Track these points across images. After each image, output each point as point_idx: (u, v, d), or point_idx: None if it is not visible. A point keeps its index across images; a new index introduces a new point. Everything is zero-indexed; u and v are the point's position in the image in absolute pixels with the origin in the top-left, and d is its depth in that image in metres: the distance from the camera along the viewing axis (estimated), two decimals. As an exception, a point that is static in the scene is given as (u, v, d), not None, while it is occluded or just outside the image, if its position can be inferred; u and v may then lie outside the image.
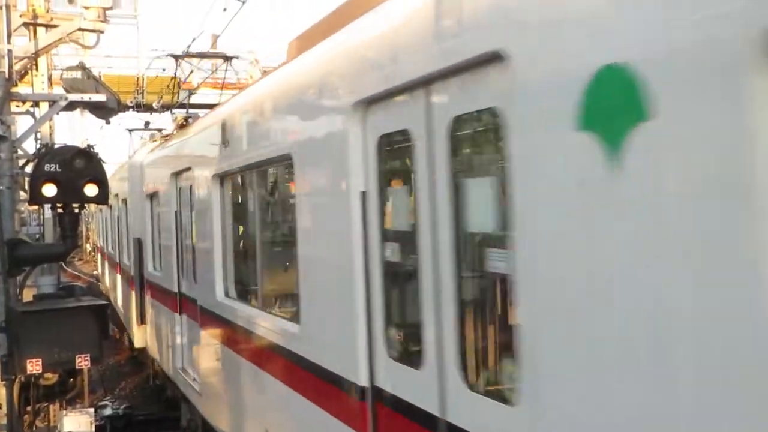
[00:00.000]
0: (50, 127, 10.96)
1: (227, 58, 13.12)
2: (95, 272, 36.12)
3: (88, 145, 7.39)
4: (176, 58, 16.63)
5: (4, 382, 7.54)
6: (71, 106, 8.66)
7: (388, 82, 3.98)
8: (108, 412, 13.15)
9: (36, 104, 11.03)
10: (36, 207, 13.42)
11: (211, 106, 19.64)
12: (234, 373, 7.28)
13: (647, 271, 2.33)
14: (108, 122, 24.11)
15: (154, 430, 12.74)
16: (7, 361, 7.35)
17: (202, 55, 17.85)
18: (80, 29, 7.69)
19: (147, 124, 26.87)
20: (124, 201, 16.10)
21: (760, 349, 1.97)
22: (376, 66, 4.19)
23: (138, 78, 26.18)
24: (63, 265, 18.01)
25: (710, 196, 2.09)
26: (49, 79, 12.49)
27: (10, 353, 7.33)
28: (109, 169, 12.31)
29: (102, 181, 7.58)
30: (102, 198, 7.64)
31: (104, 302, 7.80)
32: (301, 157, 5.26)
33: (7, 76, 7.45)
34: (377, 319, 4.28)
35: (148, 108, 25.33)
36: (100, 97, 8.31)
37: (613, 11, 2.49)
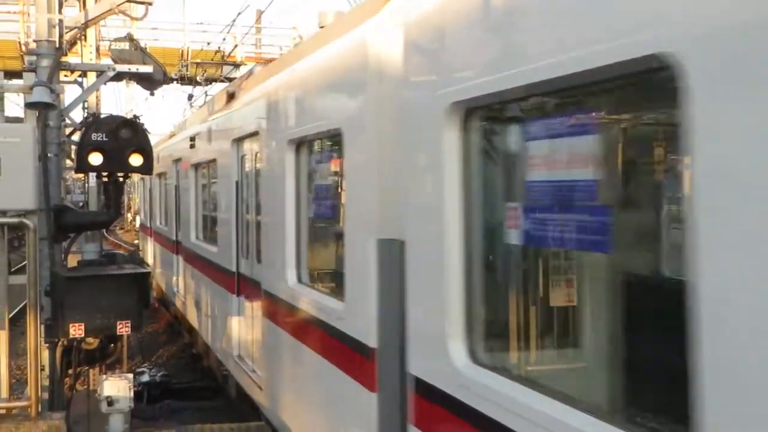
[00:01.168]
0: (97, 97, 11.11)
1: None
2: (135, 241, 36.66)
3: (135, 116, 7.49)
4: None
5: (47, 345, 7.73)
6: (118, 76, 8.77)
7: None
8: (145, 378, 13.36)
9: (84, 74, 11.20)
10: (81, 175, 13.64)
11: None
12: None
13: None
14: (152, 94, 24.33)
15: (190, 398, 12.95)
16: (51, 324, 7.53)
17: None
18: (129, 1, 7.78)
19: (190, 96, 27.14)
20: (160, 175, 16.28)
21: None
22: None
23: (183, 51, 26.41)
24: (104, 233, 18.27)
25: None
26: (97, 50, 12.66)
27: (54, 317, 7.50)
28: (153, 139, 12.12)
29: (147, 152, 7.69)
30: (146, 168, 7.76)
31: (146, 270, 7.94)
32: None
33: (57, 45, 7.57)
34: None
35: (191, 81, 25.59)
36: (147, 69, 8.41)
37: None
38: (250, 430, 7.43)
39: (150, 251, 21.26)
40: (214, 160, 10.48)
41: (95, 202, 10.40)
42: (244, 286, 8.81)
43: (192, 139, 12.65)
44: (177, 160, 14.99)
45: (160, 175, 17.54)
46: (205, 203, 12.23)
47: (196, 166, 12.51)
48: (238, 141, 8.82)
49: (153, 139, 10.36)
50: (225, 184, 9.41)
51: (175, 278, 15.50)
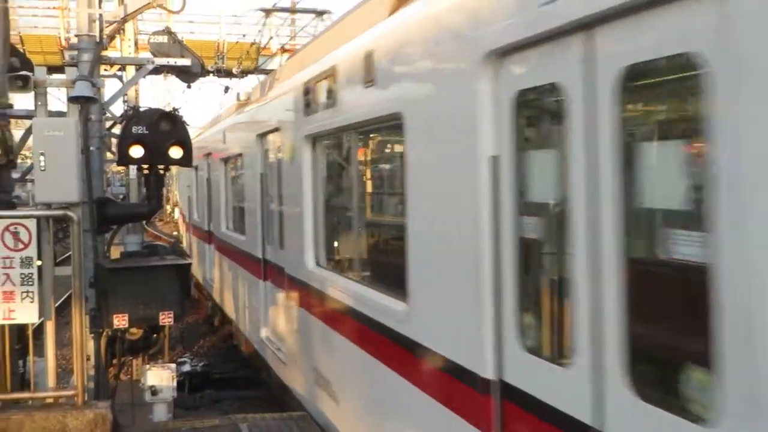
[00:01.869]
0: (136, 90, 11.24)
1: (319, 13, 12.87)
2: (174, 233, 37.05)
3: (174, 108, 7.58)
4: (266, 12, 17.22)
5: (92, 335, 7.86)
6: (157, 69, 8.86)
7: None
8: (187, 368, 13.52)
9: (123, 68, 11.34)
10: (120, 168, 13.82)
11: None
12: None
13: None
14: (189, 86, 24.51)
15: (231, 388, 13.09)
16: (95, 315, 7.66)
17: (291, 10, 18.32)
18: (166, -7, 7.86)
19: (227, 89, 27.31)
20: (194, 168, 16.71)
21: None
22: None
23: (218, 43, 26.58)
24: (144, 225, 18.50)
25: None
26: (135, 43, 12.82)
27: (98, 308, 7.62)
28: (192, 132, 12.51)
29: (186, 144, 7.77)
30: (186, 160, 7.84)
31: (187, 261, 8.03)
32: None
33: (98, 39, 7.67)
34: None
35: (228, 73, 25.74)
36: (185, 62, 8.49)
37: None
38: (292, 419, 7.49)
39: (186, 242, 21.69)
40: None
41: (136, 194, 10.54)
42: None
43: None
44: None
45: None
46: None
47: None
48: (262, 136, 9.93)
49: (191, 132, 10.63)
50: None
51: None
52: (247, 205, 10.98)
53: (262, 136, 9.65)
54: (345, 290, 6.28)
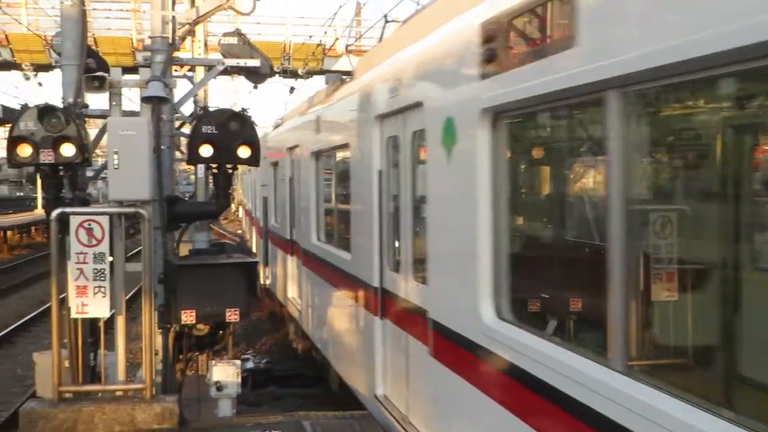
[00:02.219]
0: (205, 90, 11.42)
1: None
2: (239, 231, 37.55)
3: (243, 109, 7.67)
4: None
5: (160, 330, 8.02)
6: (226, 70, 8.99)
7: None
8: (250, 365, 13.70)
9: (192, 69, 11.55)
10: (187, 166, 14.05)
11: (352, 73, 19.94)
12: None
13: None
14: (256, 87, 24.81)
15: (293, 386, 13.22)
16: (163, 311, 7.82)
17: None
18: (237, -5, 7.99)
19: (292, 89, 27.62)
20: (274, 164, 16.61)
21: None
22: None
23: (284, 44, 26.90)
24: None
25: None
26: (205, 44, 13.04)
27: (167, 304, 7.78)
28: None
29: (254, 144, 7.86)
30: (253, 160, 7.94)
31: (254, 260, 8.14)
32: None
33: (170, 41, 7.83)
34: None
35: (293, 74, 26.06)
36: (255, 63, 8.61)
37: None
38: (354, 418, 7.54)
39: (253, 238, 22.03)
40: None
41: (203, 193, 10.72)
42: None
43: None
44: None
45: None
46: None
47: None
48: (290, 150, 11.22)
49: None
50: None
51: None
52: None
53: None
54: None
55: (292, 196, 13.17)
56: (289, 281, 13.93)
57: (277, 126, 18.10)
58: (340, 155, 9.78)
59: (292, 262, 13.50)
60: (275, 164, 15.93)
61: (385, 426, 7.19)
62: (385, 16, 10.83)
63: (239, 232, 37.70)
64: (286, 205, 14.00)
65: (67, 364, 7.20)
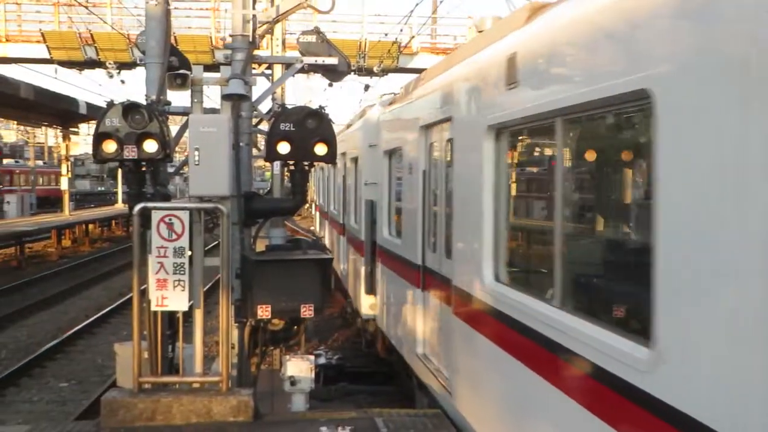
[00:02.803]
0: (282, 88, 11.55)
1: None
2: (311, 227, 37.88)
3: (320, 106, 7.70)
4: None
5: (236, 324, 8.14)
6: (304, 68, 9.06)
7: None
8: (322, 361, 13.81)
9: (269, 66, 11.68)
10: (263, 163, 14.20)
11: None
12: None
13: None
14: (331, 85, 24.99)
15: (364, 382, 13.28)
16: (240, 305, 7.93)
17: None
18: (317, -6, 8.04)
19: (367, 87, 27.73)
20: (354, 160, 15.31)
21: None
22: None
23: (360, 42, 27.01)
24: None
25: None
26: (283, 42, 13.19)
27: (243, 298, 7.89)
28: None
29: (331, 141, 7.91)
30: (330, 157, 7.98)
31: (329, 256, 8.18)
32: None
33: (251, 39, 7.93)
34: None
35: (369, 71, 26.16)
36: (333, 60, 8.66)
37: None
38: (426, 416, 7.53)
39: (327, 236, 22.00)
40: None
41: (279, 190, 10.84)
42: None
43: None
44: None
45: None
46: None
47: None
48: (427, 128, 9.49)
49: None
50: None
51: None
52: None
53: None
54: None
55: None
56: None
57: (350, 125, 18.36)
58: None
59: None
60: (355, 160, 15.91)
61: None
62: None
63: (311, 228, 38.05)
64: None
65: (146, 355, 7.37)
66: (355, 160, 15.14)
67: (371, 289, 12.82)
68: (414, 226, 9.37)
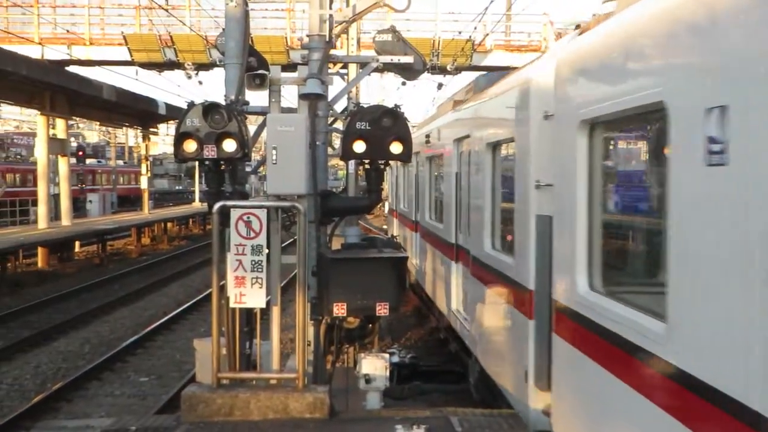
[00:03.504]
0: (356, 87, 11.61)
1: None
2: (384, 226, 37.99)
3: (395, 105, 7.70)
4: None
5: (312, 322, 8.21)
6: (379, 67, 9.08)
7: None
8: (395, 359, 13.79)
9: (344, 66, 11.76)
10: (337, 161, 14.30)
11: (503, 68, 19.77)
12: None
13: None
14: (404, 84, 24.98)
15: (438, 381, 13.23)
16: (316, 303, 8.00)
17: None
18: (394, -7, 8.04)
19: (440, 85, 27.67)
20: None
21: None
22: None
23: (434, 40, 26.95)
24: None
25: None
26: (358, 42, 13.25)
27: (319, 296, 7.95)
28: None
29: (406, 140, 7.90)
30: (405, 156, 7.98)
31: (404, 255, 8.18)
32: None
33: (327, 39, 7.99)
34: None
35: (442, 70, 26.09)
36: (408, 59, 8.66)
37: None
38: (502, 416, 7.47)
39: (398, 234, 21.97)
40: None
41: (353, 188, 10.90)
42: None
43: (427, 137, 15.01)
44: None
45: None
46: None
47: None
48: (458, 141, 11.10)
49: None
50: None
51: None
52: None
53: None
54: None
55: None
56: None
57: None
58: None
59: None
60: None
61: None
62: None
63: (384, 227, 38.16)
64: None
65: (224, 351, 7.48)
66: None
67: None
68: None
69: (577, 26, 7.33)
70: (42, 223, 30.50)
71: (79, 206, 46.02)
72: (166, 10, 25.44)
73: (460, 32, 25.68)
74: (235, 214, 7.12)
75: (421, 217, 16.63)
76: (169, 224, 41.62)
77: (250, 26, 8.13)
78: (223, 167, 7.51)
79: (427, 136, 15.37)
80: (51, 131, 30.21)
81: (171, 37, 28.02)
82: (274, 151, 7.11)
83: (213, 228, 7.27)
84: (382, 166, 8.20)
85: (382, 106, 8.11)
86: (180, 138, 7.17)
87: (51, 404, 12.15)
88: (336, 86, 9.60)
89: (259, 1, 27.46)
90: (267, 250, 7.28)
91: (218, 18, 25.09)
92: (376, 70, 9.21)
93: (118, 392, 13.19)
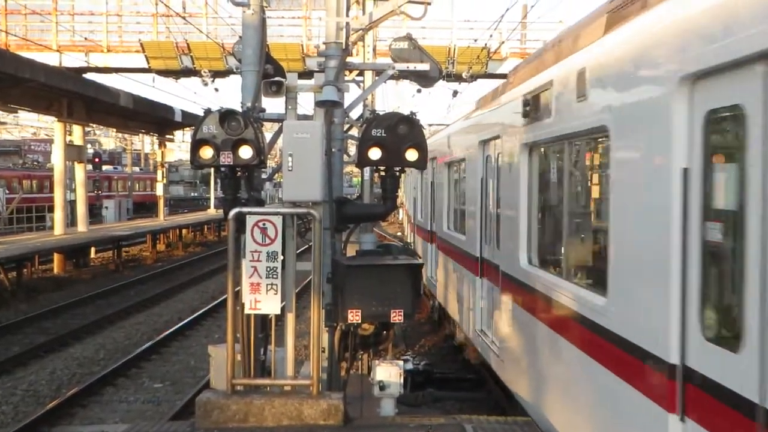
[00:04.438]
0: (372, 95, 11.63)
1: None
2: (398, 233, 37.98)
3: (411, 112, 7.71)
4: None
5: (327, 328, 8.21)
6: (395, 75, 9.10)
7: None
8: (409, 366, 13.76)
9: (360, 73, 11.79)
10: (352, 168, 14.30)
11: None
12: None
13: None
14: (419, 91, 24.99)
15: (452, 389, 13.22)
16: (330, 309, 7.99)
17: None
18: (410, 1, 8.06)
19: (455, 93, 27.68)
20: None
21: None
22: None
23: (449, 48, 26.98)
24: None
25: None
26: (374, 49, 13.28)
27: (334, 303, 7.95)
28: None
29: (422, 147, 7.90)
30: (421, 163, 7.98)
31: (419, 262, 8.17)
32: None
33: (344, 46, 8.01)
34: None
35: (457, 77, 26.11)
36: (424, 66, 8.67)
37: None
38: (517, 424, 7.45)
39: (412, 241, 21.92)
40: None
41: (368, 195, 10.91)
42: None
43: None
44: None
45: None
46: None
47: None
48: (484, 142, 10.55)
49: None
50: None
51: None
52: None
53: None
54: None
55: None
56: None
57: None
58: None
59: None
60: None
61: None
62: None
63: (399, 234, 38.16)
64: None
65: (239, 357, 7.49)
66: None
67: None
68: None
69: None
70: (58, 229, 30.68)
71: (95, 212, 46.32)
72: (184, 18, 25.60)
73: (475, 40, 25.69)
74: (250, 221, 7.14)
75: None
76: (184, 231, 41.76)
77: (266, 34, 8.17)
78: (239, 174, 7.52)
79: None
80: (68, 138, 30.39)
81: (188, 44, 28.18)
82: (290, 158, 7.12)
83: (229, 234, 7.29)
84: (397, 173, 8.20)
85: (398, 114, 8.12)
86: (196, 145, 7.19)
87: (66, 410, 12.20)
88: (352, 93, 9.63)
89: (276, 9, 27.56)
90: (282, 257, 7.29)
91: (235, 26, 25.20)
92: (392, 77, 9.23)
93: (132, 398, 13.23)
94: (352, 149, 11.49)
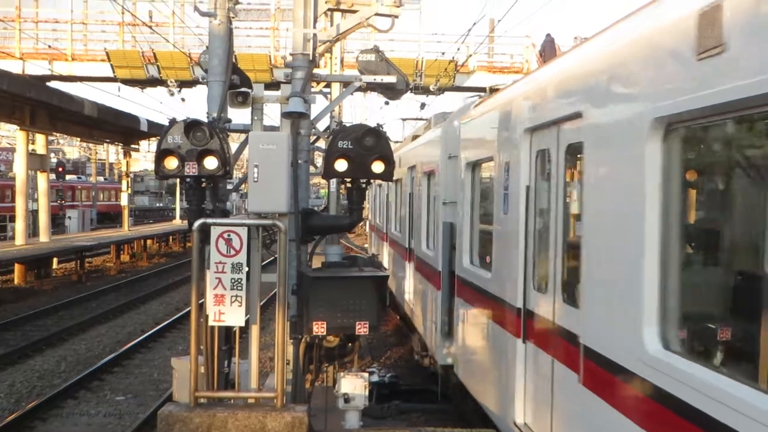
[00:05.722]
0: (339, 106, 11.63)
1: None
2: (365, 245, 37.97)
3: (378, 124, 7.72)
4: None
5: (291, 341, 8.16)
6: (362, 86, 9.10)
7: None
8: (375, 378, 13.74)
9: (328, 85, 11.78)
10: (318, 180, 14.22)
11: (483, 90, 19.89)
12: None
13: None
14: (387, 103, 25.08)
15: (417, 401, 13.20)
16: (296, 321, 7.95)
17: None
18: (377, 14, 8.07)
19: (423, 105, 27.78)
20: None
21: None
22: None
23: (417, 61, 27.10)
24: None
25: None
26: (341, 61, 13.29)
27: (299, 314, 7.91)
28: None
29: (389, 159, 7.91)
30: (388, 175, 7.98)
31: (385, 274, 8.17)
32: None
33: (311, 58, 7.99)
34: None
35: (425, 90, 26.24)
36: (391, 79, 8.68)
37: None
38: (481, 437, 7.45)
39: (381, 253, 21.87)
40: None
41: (334, 207, 10.90)
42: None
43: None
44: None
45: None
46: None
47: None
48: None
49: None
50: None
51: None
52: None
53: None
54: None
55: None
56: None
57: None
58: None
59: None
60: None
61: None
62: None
63: (365, 246, 38.14)
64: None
65: (202, 369, 7.42)
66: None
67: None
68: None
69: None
70: (20, 239, 30.25)
71: (58, 222, 45.70)
72: (150, 27, 25.45)
73: (443, 53, 25.86)
74: (215, 232, 7.08)
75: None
76: (149, 241, 41.39)
77: (234, 44, 8.13)
78: (204, 184, 7.47)
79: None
80: (30, 146, 29.99)
81: (154, 53, 28.00)
82: (255, 169, 7.09)
83: (193, 245, 7.23)
84: (364, 185, 8.19)
85: (364, 125, 8.12)
86: (161, 155, 7.13)
87: (25, 423, 11.98)
88: (319, 105, 9.63)
89: (244, 20, 27.51)
90: (247, 268, 7.23)
91: (202, 36, 25.11)
92: (359, 89, 9.24)
93: (93, 411, 13.04)
94: (319, 161, 11.47)
